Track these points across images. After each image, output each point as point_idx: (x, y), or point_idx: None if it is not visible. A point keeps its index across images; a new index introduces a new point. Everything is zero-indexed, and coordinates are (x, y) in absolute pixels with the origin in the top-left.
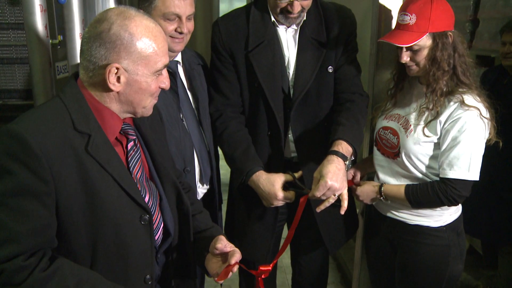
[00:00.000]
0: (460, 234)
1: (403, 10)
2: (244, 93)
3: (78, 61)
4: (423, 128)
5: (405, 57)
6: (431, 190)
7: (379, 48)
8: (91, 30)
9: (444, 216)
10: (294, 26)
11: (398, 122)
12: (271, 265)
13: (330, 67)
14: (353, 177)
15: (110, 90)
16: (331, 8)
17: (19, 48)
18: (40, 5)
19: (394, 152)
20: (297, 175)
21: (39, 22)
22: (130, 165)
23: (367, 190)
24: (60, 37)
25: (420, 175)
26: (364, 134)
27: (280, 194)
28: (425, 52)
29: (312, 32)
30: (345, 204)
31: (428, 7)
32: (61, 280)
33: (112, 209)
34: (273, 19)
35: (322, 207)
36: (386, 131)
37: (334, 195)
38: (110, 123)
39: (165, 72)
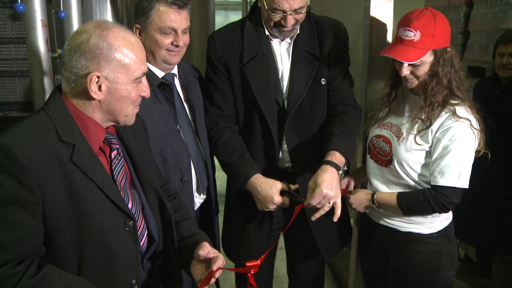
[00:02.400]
0: (451, 241)
1: (406, 25)
2: (239, 105)
3: None
4: (415, 136)
5: (406, 71)
6: (422, 198)
7: (371, 59)
8: (71, 42)
9: (435, 223)
10: (287, 40)
11: (390, 131)
12: (259, 260)
13: (323, 79)
14: (347, 186)
15: (92, 99)
16: (324, 22)
17: (20, 62)
18: (41, 20)
19: (386, 159)
20: (293, 187)
21: (40, 36)
22: (114, 173)
23: (360, 198)
24: (59, 51)
25: (412, 182)
26: (357, 144)
27: (277, 198)
28: (425, 67)
29: (305, 45)
30: (338, 212)
31: (432, 24)
32: (49, 286)
33: (97, 216)
34: (267, 32)
35: (317, 215)
36: (379, 139)
37: (329, 203)
38: (93, 133)
39: (144, 81)
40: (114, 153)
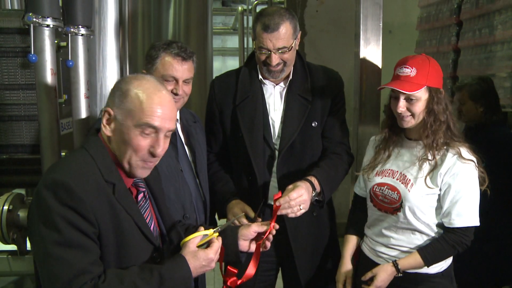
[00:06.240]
0: (453, 279)
1: (403, 64)
2: (231, 142)
3: (82, 118)
4: (425, 180)
5: (402, 107)
6: (446, 245)
7: (362, 104)
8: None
9: (442, 262)
10: (282, 84)
11: (393, 178)
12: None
13: (315, 122)
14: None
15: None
16: (319, 70)
17: (27, 107)
18: (51, 68)
19: (394, 207)
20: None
21: (50, 83)
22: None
23: (387, 279)
24: (65, 96)
25: (421, 226)
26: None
27: (235, 209)
28: (421, 104)
29: (298, 89)
30: (302, 212)
31: (426, 64)
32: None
33: (133, 247)
34: (260, 76)
35: (288, 212)
36: (382, 187)
37: (300, 207)
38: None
39: (160, 139)
40: (140, 196)
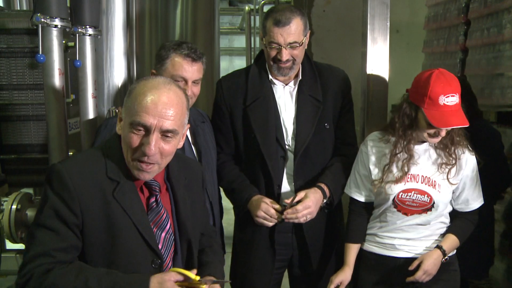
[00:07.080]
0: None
1: (449, 92)
2: (243, 144)
3: (90, 117)
4: (448, 178)
5: (443, 135)
6: (470, 224)
7: (369, 104)
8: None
9: None
10: (291, 84)
11: (417, 182)
12: None
13: (326, 124)
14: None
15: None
16: (326, 69)
17: (35, 106)
18: (59, 68)
19: (423, 209)
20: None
21: (57, 83)
22: (148, 217)
23: (436, 263)
24: (72, 96)
25: (443, 218)
26: None
27: (266, 199)
28: None
29: (308, 89)
30: (306, 218)
31: (457, 82)
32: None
33: (128, 249)
34: (270, 77)
35: (291, 220)
36: (409, 194)
37: (305, 218)
38: None
39: (152, 138)
40: (152, 199)
